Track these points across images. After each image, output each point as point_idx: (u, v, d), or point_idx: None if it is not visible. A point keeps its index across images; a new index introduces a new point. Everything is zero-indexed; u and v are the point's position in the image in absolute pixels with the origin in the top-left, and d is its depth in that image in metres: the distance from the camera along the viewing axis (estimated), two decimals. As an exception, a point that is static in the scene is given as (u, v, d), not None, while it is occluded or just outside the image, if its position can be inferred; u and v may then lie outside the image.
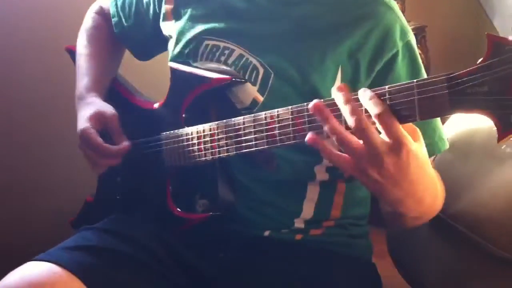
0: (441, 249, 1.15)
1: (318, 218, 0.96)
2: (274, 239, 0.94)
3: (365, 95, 0.67)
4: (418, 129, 0.70)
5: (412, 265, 1.26)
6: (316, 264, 0.92)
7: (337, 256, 0.96)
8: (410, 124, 0.68)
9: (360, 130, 0.66)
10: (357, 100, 0.68)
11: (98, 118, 0.99)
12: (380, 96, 0.67)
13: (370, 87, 0.87)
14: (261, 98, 0.91)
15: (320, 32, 0.91)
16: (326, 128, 0.68)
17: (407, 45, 0.91)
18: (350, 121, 0.66)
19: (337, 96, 0.68)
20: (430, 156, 0.89)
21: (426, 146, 0.73)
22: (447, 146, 0.93)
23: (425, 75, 0.92)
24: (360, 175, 0.69)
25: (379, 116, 0.65)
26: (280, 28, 0.93)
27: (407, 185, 0.69)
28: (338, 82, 0.90)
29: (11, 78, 1.64)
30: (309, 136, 0.69)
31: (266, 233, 0.94)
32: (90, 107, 1.02)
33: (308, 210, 0.95)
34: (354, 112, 0.66)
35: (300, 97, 0.89)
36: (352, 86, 0.89)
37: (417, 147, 0.68)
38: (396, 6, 0.93)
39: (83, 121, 1.00)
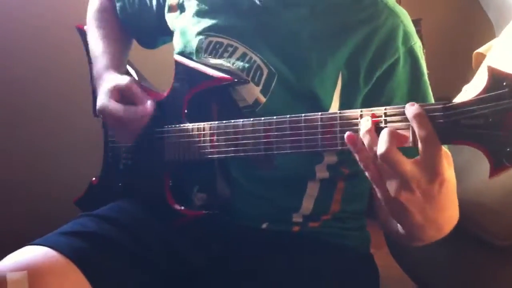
0: (437, 240, 1.16)
1: (317, 213, 0.96)
2: (271, 231, 0.95)
3: (411, 110, 0.63)
4: (449, 153, 0.66)
5: (409, 255, 1.28)
6: (313, 255, 0.93)
7: (333, 247, 0.96)
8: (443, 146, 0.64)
9: (389, 160, 0.63)
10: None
11: (117, 90, 0.96)
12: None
13: (369, 93, 0.88)
14: (263, 99, 0.90)
15: (320, 36, 0.89)
16: (357, 158, 0.67)
17: (410, 51, 0.88)
18: (379, 150, 0.63)
19: (364, 123, 0.67)
20: None
21: None
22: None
23: (427, 84, 0.90)
24: (384, 195, 0.66)
25: (424, 138, 0.62)
26: (281, 30, 0.91)
27: (433, 214, 0.67)
28: (338, 88, 0.88)
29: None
30: (348, 133, 0.67)
31: (264, 225, 0.95)
32: (108, 82, 0.99)
33: (307, 205, 0.95)
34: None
35: (300, 102, 0.89)
36: (351, 91, 0.88)
37: (450, 175, 0.65)
38: (401, 10, 0.90)
39: (102, 97, 0.97)
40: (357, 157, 0.67)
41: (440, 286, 1.18)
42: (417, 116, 0.62)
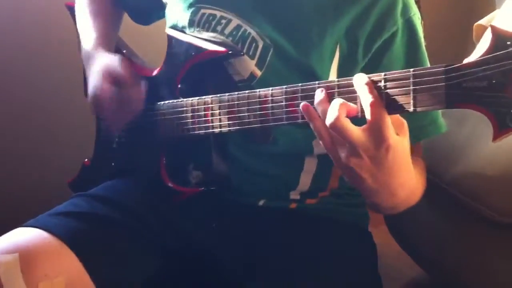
0: (438, 216, 1.15)
1: (315, 189, 0.95)
2: (268, 208, 0.94)
3: (360, 80, 0.66)
4: (405, 122, 0.69)
5: (408, 232, 1.28)
6: (311, 231, 0.93)
7: (331, 223, 0.96)
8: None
9: (337, 129, 0.66)
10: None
11: (108, 72, 0.93)
12: (375, 83, 0.65)
13: (367, 65, 0.87)
14: (259, 73, 0.89)
15: (319, 7, 0.87)
16: (312, 126, 0.70)
17: (408, 22, 0.87)
18: (327, 119, 0.67)
19: (318, 94, 0.70)
20: (418, 140, 0.88)
21: (413, 129, 0.71)
22: (441, 129, 0.90)
23: (424, 55, 0.89)
24: (337, 162, 0.70)
25: (370, 105, 0.64)
26: (279, 0, 0.89)
27: (383, 178, 0.70)
28: (336, 60, 0.87)
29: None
30: (303, 103, 0.71)
31: (261, 202, 0.94)
32: (99, 64, 0.96)
33: (305, 181, 0.94)
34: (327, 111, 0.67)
35: (297, 75, 0.87)
36: (348, 64, 0.87)
37: (397, 141, 0.67)
38: None
39: (94, 80, 0.95)
40: (311, 126, 0.70)
41: (439, 262, 1.17)
42: (364, 85, 0.65)
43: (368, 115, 0.65)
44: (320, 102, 0.69)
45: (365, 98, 0.65)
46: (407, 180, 0.74)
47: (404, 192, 0.75)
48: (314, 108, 0.70)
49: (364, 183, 0.70)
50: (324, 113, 0.68)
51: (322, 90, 0.70)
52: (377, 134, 0.65)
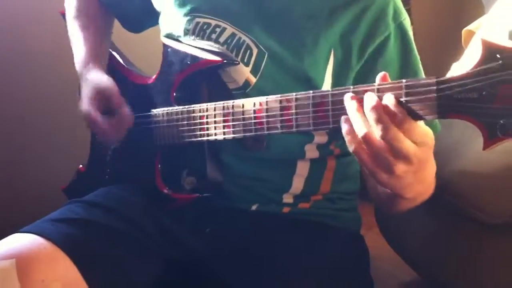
0: (429, 219, 1.16)
1: (307, 193, 0.96)
2: (261, 213, 0.95)
3: (389, 100, 0.63)
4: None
5: (400, 235, 1.28)
6: (303, 235, 0.93)
7: (324, 227, 0.97)
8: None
9: (388, 140, 0.62)
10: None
11: (97, 95, 0.97)
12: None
13: (361, 70, 0.88)
14: (253, 80, 0.90)
15: (312, 14, 0.89)
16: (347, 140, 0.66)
17: (400, 27, 0.89)
18: (377, 130, 0.62)
19: (351, 104, 0.65)
20: None
21: None
22: (437, 130, 0.90)
23: (417, 59, 0.91)
24: (378, 176, 0.66)
25: (401, 123, 0.62)
26: (273, 8, 0.90)
27: (423, 173, 0.68)
28: (330, 66, 0.88)
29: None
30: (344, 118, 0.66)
31: (254, 207, 0.95)
32: (88, 86, 0.99)
33: (297, 185, 0.95)
34: (380, 120, 0.62)
35: (291, 81, 0.88)
36: (343, 70, 0.88)
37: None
38: None
39: (84, 103, 0.98)
40: (347, 140, 0.66)
41: (431, 264, 1.19)
42: (395, 106, 0.62)
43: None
44: (374, 107, 0.63)
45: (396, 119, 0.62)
46: (433, 168, 0.73)
47: (433, 180, 0.75)
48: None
49: (410, 186, 0.68)
50: (379, 120, 0.62)
51: (371, 94, 0.64)
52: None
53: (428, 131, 0.66)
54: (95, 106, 0.97)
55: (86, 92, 0.99)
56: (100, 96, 0.97)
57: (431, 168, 0.71)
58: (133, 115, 0.97)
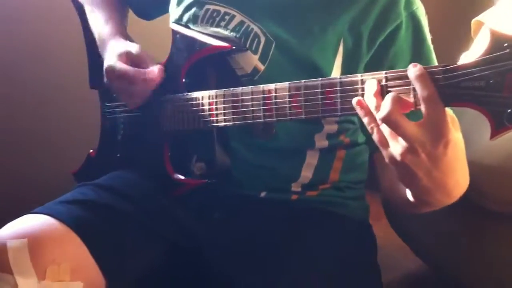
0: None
1: (316, 182, 0.96)
2: (269, 200, 0.95)
3: (415, 71, 0.63)
4: (455, 117, 0.67)
5: (407, 224, 1.28)
6: (311, 223, 0.94)
7: (331, 215, 0.96)
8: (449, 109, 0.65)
9: (390, 124, 0.64)
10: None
11: (126, 55, 0.94)
12: (431, 75, 0.63)
13: (372, 60, 0.88)
14: (262, 67, 0.90)
15: (321, 2, 0.89)
16: (364, 122, 0.68)
17: (412, 15, 0.88)
18: (380, 114, 0.64)
19: (371, 86, 0.67)
20: None
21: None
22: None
23: (430, 49, 0.90)
24: (390, 159, 0.67)
25: (427, 99, 0.62)
26: None
27: (439, 176, 0.67)
28: (339, 55, 0.88)
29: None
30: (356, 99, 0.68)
31: (262, 194, 0.96)
32: (118, 47, 0.97)
33: (306, 174, 0.95)
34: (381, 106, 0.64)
35: (299, 70, 0.88)
36: (353, 59, 0.88)
37: (456, 137, 0.65)
38: None
39: (110, 59, 0.95)
40: (364, 121, 0.67)
41: (438, 254, 1.19)
42: (419, 77, 0.62)
43: (424, 109, 0.62)
44: (373, 94, 0.66)
45: (421, 91, 0.62)
46: (462, 179, 0.72)
47: (459, 191, 0.73)
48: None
49: (419, 181, 0.67)
50: (377, 107, 0.65)
51: (374, 82, 0.67)
52: (434, 129, 0.63)
53: (458, 136, 0.65)
54: (123, 61, 0.93)
55: (113, 51, 0.96)
56: (128, 53, 0.94)
57: (455, 177, 0.69)
58: (163, 70, 0.92)
